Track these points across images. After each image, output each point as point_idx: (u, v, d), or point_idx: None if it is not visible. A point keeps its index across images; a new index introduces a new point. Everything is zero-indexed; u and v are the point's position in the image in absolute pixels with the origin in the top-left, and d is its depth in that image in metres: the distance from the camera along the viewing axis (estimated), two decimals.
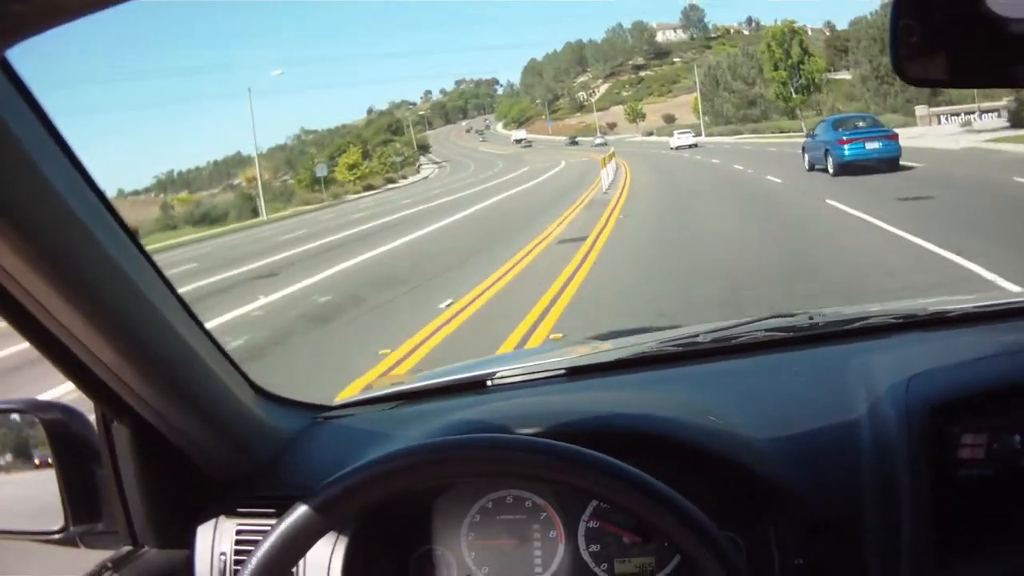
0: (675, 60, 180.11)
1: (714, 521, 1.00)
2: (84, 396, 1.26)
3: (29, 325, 1.07)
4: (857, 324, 1.68)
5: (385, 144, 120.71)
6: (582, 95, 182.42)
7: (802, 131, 43.68)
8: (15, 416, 1.41)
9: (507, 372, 1.74)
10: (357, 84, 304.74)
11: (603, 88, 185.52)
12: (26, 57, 0.89)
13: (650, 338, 1.90)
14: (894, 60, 0.87)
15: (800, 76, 62.01)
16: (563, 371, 1.72)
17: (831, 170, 21.35)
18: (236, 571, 1.34)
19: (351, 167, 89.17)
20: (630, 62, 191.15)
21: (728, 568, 0.97)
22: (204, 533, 1.41)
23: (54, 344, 1.10)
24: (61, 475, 1.34)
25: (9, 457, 1.46)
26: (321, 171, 74.05)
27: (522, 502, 1.40)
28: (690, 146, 60.55)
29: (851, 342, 1.63)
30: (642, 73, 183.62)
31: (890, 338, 1.62)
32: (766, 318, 1.83)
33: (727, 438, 1.32)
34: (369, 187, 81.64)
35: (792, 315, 1.86)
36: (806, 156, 24.39)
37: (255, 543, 1.11)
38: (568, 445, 1.03)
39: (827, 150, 21.87)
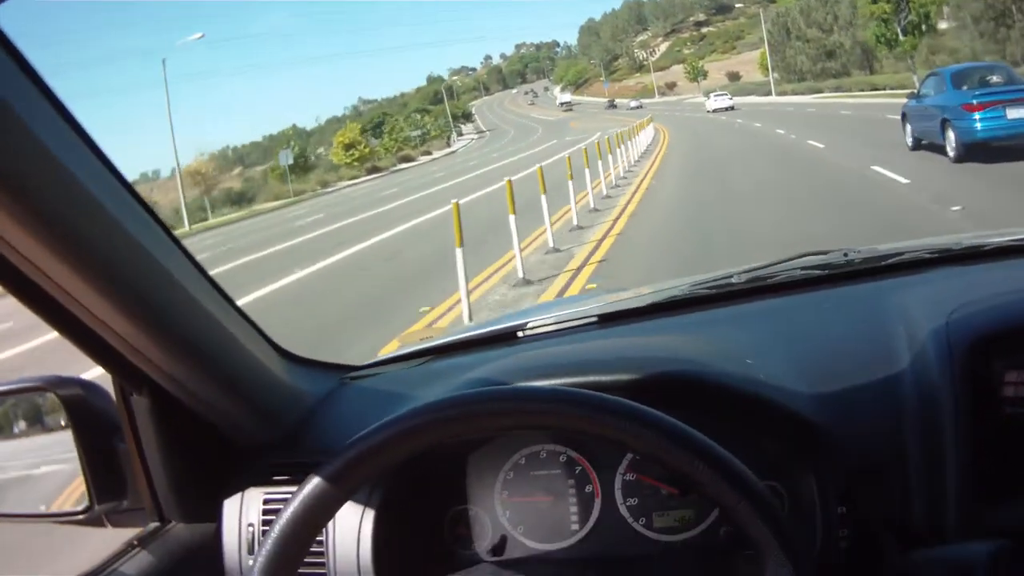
0: (738, 16, 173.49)
1: (754, 470, 0.97)
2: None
3: (39, 297, 1.06)
4: (893, 259, 1.65)
5: (422, 114, 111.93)
6: (641, 54, 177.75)
7: (905, 88, 34.58)
8: (34, 395, 1.40)
9: (538, 322, 1.73)
10: (416, 49, 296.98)
11: (663, 47, 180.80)
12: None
13: (683, 281, 1.84)
14: None
15: (909, 11, 46.74)
16: (595, 318, 1.69)
17: (952, 151, 13.94)
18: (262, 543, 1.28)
19: (347, 147, 76.35)
20: (691, 18, 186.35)
21: (770, 520, 0.94)
22: (231, 504, 1.40)
23: (65, 316, 1.09)
24: (83, 453, 1.33)
25: (31, 438, 1.46)
26: (285, 159, 63.02)
27: (556, 456, 1.38)
28: (727, 108, 61.84)
29: (888, 278, 1.59)
30: (704, 30, 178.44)
31: (927, 273, 1.58)
32: (801, 256, 1.79)
33: (764, 382, 1.28)
34: (375, 169, 72.73)
35: (827, 252, 1.79)
36: (908, 127, 16.67)
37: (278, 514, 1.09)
38: (595, 393, 1.00)
39: (944, 120, 14.24)
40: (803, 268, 1.71)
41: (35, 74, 0.93)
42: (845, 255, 1.74)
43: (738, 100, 68.94)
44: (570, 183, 14.29)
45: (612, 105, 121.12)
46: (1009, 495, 1.13)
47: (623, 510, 1.35)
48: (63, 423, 1.35)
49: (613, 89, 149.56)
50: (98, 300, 1.05)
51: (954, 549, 1.09)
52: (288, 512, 0.98)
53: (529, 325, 1.72)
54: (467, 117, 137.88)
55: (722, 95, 68.99)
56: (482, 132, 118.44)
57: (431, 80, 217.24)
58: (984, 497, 1.12)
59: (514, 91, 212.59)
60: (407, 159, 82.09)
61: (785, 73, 77.79)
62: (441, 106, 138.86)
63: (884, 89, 47.97)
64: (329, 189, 57.13)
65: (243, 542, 1.39)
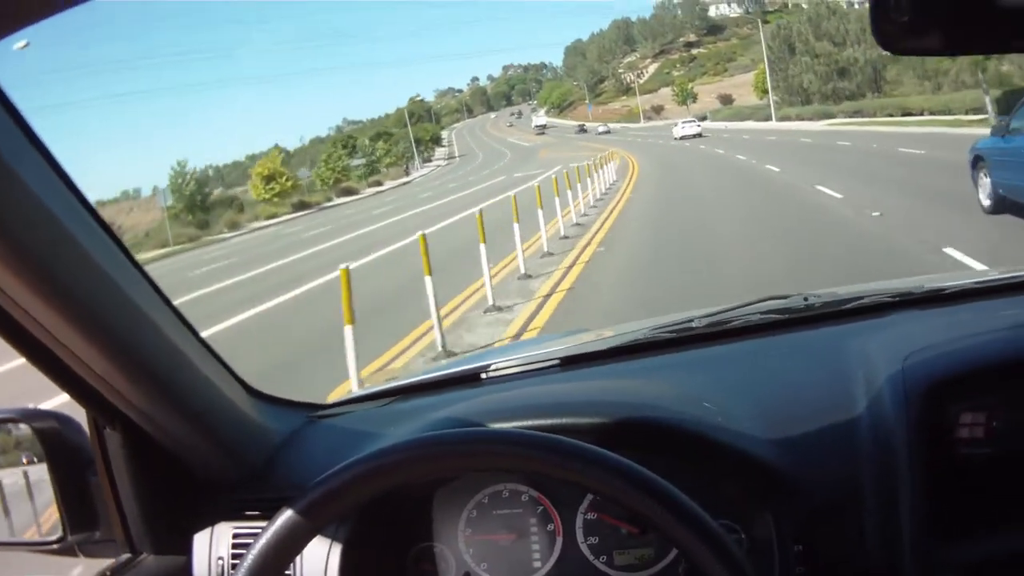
0: (730, 37, 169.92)
1: (711, 510, 1.01)
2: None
3: (14, 331, 1.09)
4: (852, 304, 1.69)
5: (382, 138, 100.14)
6: (629, 76, 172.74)
7: (949, 114, 29.85)
8: (8, 426, 1.44)
9: (501, 364, 1.77)
10: (402, 69, 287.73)
11: (652, 68, 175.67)
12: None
13: (644, 325, 1.89)
14: (876, 32, 0.86)
15: None
16: (557, 361, 1.74)
17: None
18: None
19: (267, 179, 65.04)
20: (681, 39, 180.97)
21: (728, 562, 0.98)
22: (201, 538, 1.43)
23: (40, 350, 1.12)
24: (57, 484, 1.37)
25: (4, 468, 1.49)
26: (162, 200, 50.88)
27: (518, 496, 1.42)
28: (694, 135, 60.91)
29: (847, 322, 1.64)
30: (694, 51, 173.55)
31: (886, 317, 1.63)
32: (760, 300, 1.82)
33: (722, 425, 1.32)
34: (303, 205, 61.47)
35: (786, 297, 1.83)
36: (984, 178, 10.87)
37: (248, 547, 1.14)
38: (558, 437, 1.04)
39: None
40: (763, 312, 1.74)
41: (14, 110, 0.96)
42: (805, 299, 1.78)
43: (733, 126, 61.87)
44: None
45: (583, 129, 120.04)
46: (963, 534, 1.18)
47: (584, 548, 1.38)
48: (29, 457, 1.40)
49: (597, 112, 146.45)
50: (70, 335, 1.08)
51: None
52: (259, 545, 1.02)
53: (492, 367, 1.76)
54: (435, 141, 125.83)
55: (690, 122, 68.24)
56: (452, 158, 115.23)
57: (412, 102, 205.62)
58: (939, 536, 1.17)
59: (493, 115, 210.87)
60: (349, 191, 72.04)
61: (787, 95, 66.88)
62: (419, 126, 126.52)
63: (921, 114, 38.65)
64: (236, 232, 48.25)
65: (213, 574, 1.41)
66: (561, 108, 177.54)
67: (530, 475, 1.37)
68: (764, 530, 1.26)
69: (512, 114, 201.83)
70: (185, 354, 1.25)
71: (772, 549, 1.23)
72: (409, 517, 1.43)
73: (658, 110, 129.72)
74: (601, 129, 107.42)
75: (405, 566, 1.45)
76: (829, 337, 1.61)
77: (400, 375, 2.47)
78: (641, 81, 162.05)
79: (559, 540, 1.40)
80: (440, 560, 1.44)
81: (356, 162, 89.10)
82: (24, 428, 1.40)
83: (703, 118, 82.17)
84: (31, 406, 1.44)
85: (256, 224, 51.51)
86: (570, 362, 1.73)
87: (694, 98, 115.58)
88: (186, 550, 1.43)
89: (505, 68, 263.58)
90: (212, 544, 1.43)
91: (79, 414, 1.36)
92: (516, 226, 12.35)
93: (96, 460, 1.36)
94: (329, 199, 66.46)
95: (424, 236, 8.88)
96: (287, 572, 1.29)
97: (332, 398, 1.89)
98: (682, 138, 60.83)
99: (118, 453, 1.34)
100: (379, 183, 78.26)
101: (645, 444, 1.29)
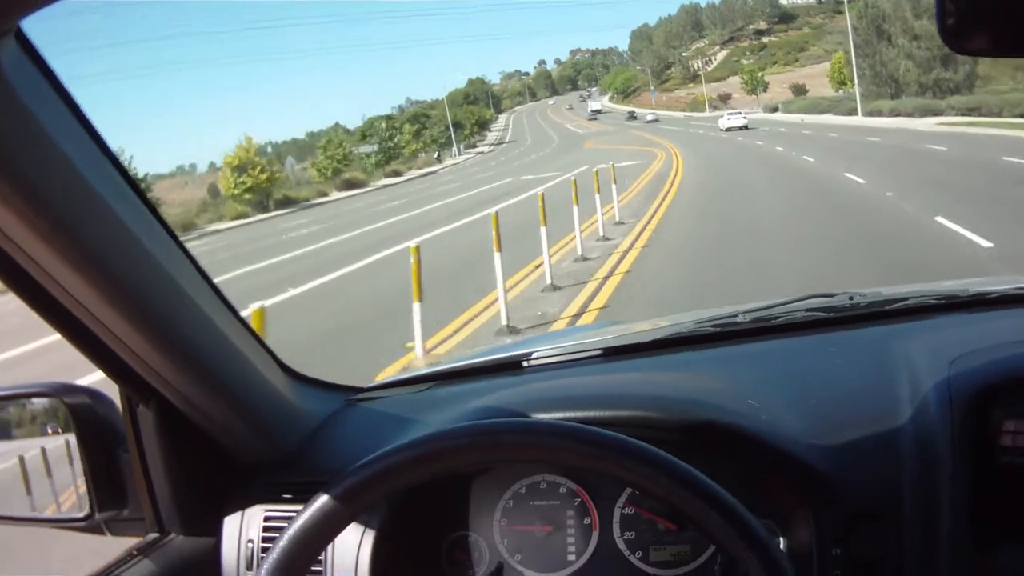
0: (802, 26, 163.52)
1: (751, 509, 0.99)
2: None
3: (51, 307, 1.09)
4: (897, 305, 1.67)
5: (408, 123, 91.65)
6: (696, 63, 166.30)
7: None
8: (41, 400, 1.44)
9: (543, 352, 1.75)
10: (467, 48, 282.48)
11: (720, 56, 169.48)
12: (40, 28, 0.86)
13: (688, 318, 1.87)
14: (941, 30, 0.84)
15: None
16: (599, 352, 1.72)
17: None
18: (264, 558, 1.31)
19: (239, 170, 52.25)
20: (751, 26, 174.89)
21: (767, 560, 0.96)
22: (231, 519, 1.43)
23: (76, 326, 1.12)
24: (86, 461, 1.36)
25: (34, 443, 1.49)
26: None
27: (556, 487, 1.41)
28: (740, 127, 59.13)
29: (892, 323, 1.62)
30: (764, 39, 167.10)
31: (931, 319, 1.61)
32: (805, 298, 1.80)
33: (766, 422, 1.31)
34: (285, 201, 52.41)
35: (831, 295, 1.81)
36: None
37: (282, 530, 1.13)
38: (599, 430, 1.03)
39: None
40: (808, 310, 1.73)
41: (60, 85, 0.96)
42: (850, 298, 1.76)
43: (812, 121, 52.45)
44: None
45: (632, 116, 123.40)
46: (1003, 542, 1.17)
47: (620, 543, 1.37)
48: (55, 428, 1.40)
49: (661, 100, 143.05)
50: (109, 311, 1.08)
51: None
52: (294, 528, 1.01)
53: (534, 355, 1.74)
54: (484, 125, 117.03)
55: (735, 113, 67.63)
56: (499, 143, 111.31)
57: (471, 82, 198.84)
58: (979, 544, 1.15)
59: (551, 101, 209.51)
60: (352, 184, 62.39)
61: (873, 85, 55.04)
62: (465, 108, 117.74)
63: None
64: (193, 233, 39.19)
65: (242, 558, 1.40)
66: (626, 94, 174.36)
67: (570, 467, 1.36)
68: (803, 532, 1.24)
69: (581, 99, 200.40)
70: (224, 333, 1.25)
71: (811, 552, 1.21)
72: (444, 505, 1.43)
73: (725, 99, 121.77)
74: (649, 117, 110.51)
75: (438, 554, 1.44)
76: (874, 338, 1.58)
77: (442, 360, 2.30)
78: (708, 69, 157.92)
79: (595, 534, 1.39)
80: (474, 549, 1.43)
81: (365, 149, 78.40)
82: (55, 403, 1.39)
83: (774, 109, 75.24)
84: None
85: (212, 227, 43.21)
86: (612, 353, 1.71)
87: (765, 87, 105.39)
88: (216, 531, 1.42)
89: (573, 52, 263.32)
90: (243, 526, 1.41)
91: (111, 390, 1.35)
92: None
93: (128, 437, 1.35)
94: (325, 194, 58.03)
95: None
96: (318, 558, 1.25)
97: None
98: (728, 129, 60.03)
99: (151, 431, 1.32)
100: (398, 173, 69.86)
101: (688, 439, 1.28)
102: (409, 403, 1.64)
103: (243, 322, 1.32)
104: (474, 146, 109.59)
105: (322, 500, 1.01)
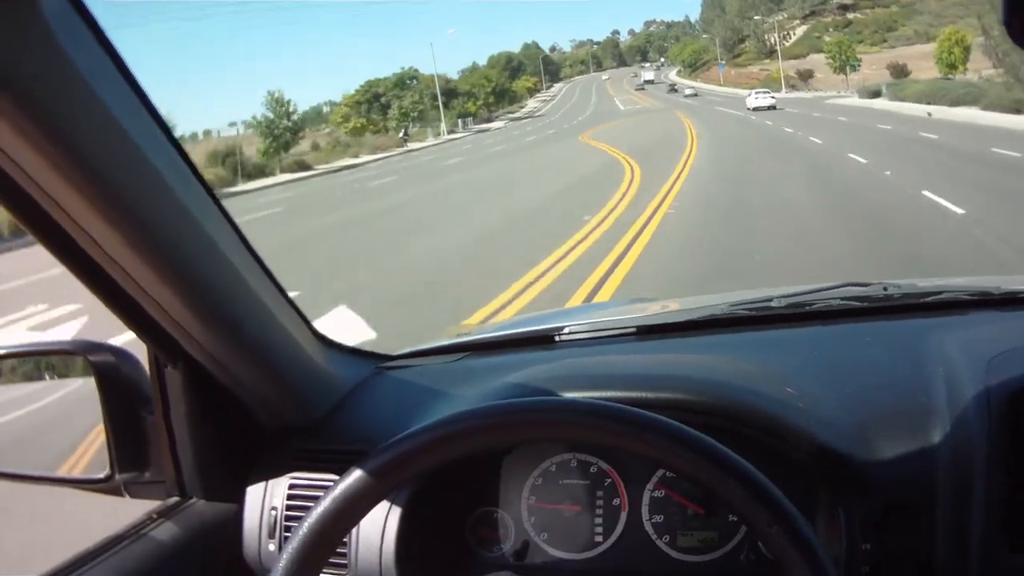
0: (890, 4, 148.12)
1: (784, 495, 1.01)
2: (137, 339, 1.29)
3: (83, 262, 1.10)
4: (932, 298, 1.66)
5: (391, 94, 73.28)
6: (772, 37, 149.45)
7: None
8: (64, 357, 1.47)
9: (576, 327, 1.75)
10: (538, 15, 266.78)
11: (800, 31, 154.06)
12: None
13: (721, 300, 1.87)
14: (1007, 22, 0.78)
15: None
16: (633, 329, 1.72)
17: None
18: (287, 527, 1.38)
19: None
20: (835, 1, 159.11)
21: (804, 547, 0.94)
22: (255, 486, 1.44)
23: (108, 283, 1.14)
24: (109, 420, 1.37)
25: (56, 400, 1.51)
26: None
27: (586, 467, 1.42)
28: (768, 107, 58.21)
29: (927, 316, 1.62)
30: (850, 15, 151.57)
31: (966, 315, 1.60)
32: (840, 286, 1.81)
33: (802, 410, 1.31)
34: None
35: (866, 284, 1.82)
36: None
37: (308, 498, 1.17)
38: (636, 410, 1.03)
39: None
40: (843, 298, 1.73)
41: (101, 33, 0.96)
42: (885, 289, 1.76)
43: (943, 114, 35.07)
44: None
45: (673, 89, 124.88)
46: None
47: (648, 526, 1.37)
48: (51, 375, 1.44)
49: (730, 75, 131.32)
50: (143, 269, 1.10)
51: None
52: (325, 502, 1.01)
53: (566, 329, 1.74)
54: (509, 98, 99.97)
55: (763, 92, 66.55)
56: (524, 118, 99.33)
57: (525, 48, 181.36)
58: (1012, 544, 1.15)
59: (604, 76, 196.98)
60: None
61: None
62: (479, 73, 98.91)
63: None
64: None
65: (264, 525, 1.41)
66: (694, 67, 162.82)
67: (603, 447, 1.36)
68: (834, 525, 1.23)
69: (640, 69, 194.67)
70: (257, 295, 1.25)
71: (840, 543, 1.21)
72: (472, 481, 1.43)
73: (806, 76, 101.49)
74: (688, 91, 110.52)
75: (463, 530, 1.44)
76: (910, 330, 1.57)
77: (472, 330, 2.26)
78: (787, 44, 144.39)
79: (623, 516, 1.38)
80: (500, 526, 1.43)
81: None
82: (79, 359, 1.39)
83: (875, 93, 57.12)
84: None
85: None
86: (647, 331, 1.71)
87: (856, 65, 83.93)
88: (238, 497, 1.43)
89: (647, 23, 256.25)
90: (267, 493, 1.41)
91: (139, 350, 1.37)
92: None
93: (154, 399, 1.36)
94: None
95: None
96: None
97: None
98: (755, 109, 58.78)
99: (178, 393, 1.33)
100: (303, 166, 52.36)
101: (722, 423, 1.27)
102: (439, 373, 1.64)
103: (277, 284, 1.32)
104: (490, 120, 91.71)
105: (355, 476, 1.00)
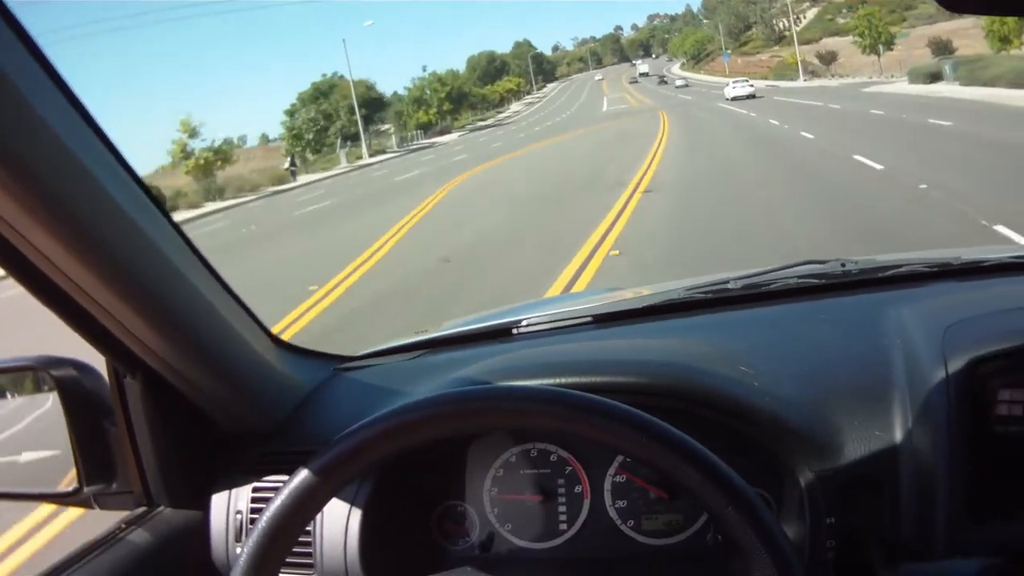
0: None
1: (743, 476, 1.00)
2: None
3: (36, 278, 1.12)
4: (890, 272, 1.67)
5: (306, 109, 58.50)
6: (782, 22, 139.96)
7: None
8: (27, 374, 1.47)
9: (533, 319, 1.76)
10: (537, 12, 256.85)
11: (810, 14, 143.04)
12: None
13: (679, 284, 1.89)
14: None
15: None
16: (590, 318, 1.72)
17: None
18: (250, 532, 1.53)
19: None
20: None
21: (760, 527, 0.95)
22: (220, 491, 1.46)
23: (61, 297, 1.16)
24: (74, 434, 1.38)
25: (21, 417, 1.51)
26: None
27: (547, 456, 1.43)
28: (747, 96, 56.61)
29: (884, 290, 1.62)
30: None
31: (924, 287, 1.60)
32: (797, 264, 1.79)
33: (758, 389, 1.33)
34: None
35: (823, 262, 1.81)
36: None
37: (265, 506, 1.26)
38: (587, 395, 1.04)
39: None
40: (800, 277, 1.73)
41: (45, 60, 0.98)
42: (843, 265, 1.76)
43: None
44: None
45: (663, 81, 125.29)
46: (999, 514, 1.19)
47: (612, 512, 1.39)
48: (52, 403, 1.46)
49: (736, 65, 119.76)
50: (95, 282, 1.12)
51: (943, 565, 1.14)
52: (276, 503, 1.02)
53: (524, 322, 1.75)
54: (467, 104, 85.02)
55: (740, 81, 62.94)
56: (498, 125, 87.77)
57: (516, 46, 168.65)
58: (974, 515, 1.17)
59: (597, 75, 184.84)
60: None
61: None
62: (427, 80, 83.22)
63: None
64: None
65: (231, 529, 1.43)
66: (698, 59, 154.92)
67: (560, 434, 1.38)
68: (796, 500, 1.25)
69: (633, 64, 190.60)
70: (210, 302, 1.28)
71: (804, 520, 1.22)
72: (433, 475, 1.45)
73: (828, 60, 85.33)
74: (679, 83, 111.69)
75: (428, 524, 1.46)
76: (866, 304, 1.57)
77: (430, 329, 1.93)
78: (798, 28, 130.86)
79: (586, 502, 1.39)
80: (465, 519, 1.44)
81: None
82: (41, 376, 1.40)
83: (935, 76, 40.28)
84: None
85: None
86: (603, 320, 1.71)
87: (888, 43, 67.22)
88: (204, 504, 1.45)
89: (651, 17, 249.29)
90: (231, 498, 1.43)
91: (98, 362, 1.39)
92: None
93: (115, 410, 1.37)
94: None
95: None
96: (307, 528, 1.26)
97: None
98: (734, 99, 56.54)
99: (138, 403, 1.34)
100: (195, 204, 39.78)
101: (679, 406, 1.28)
102: (397, 372, 1.65)
103: (230, 291, 1.34)
104: (445, 131, 76.02)
105: (301, 476, 1.01)
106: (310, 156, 60.49)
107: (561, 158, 29.90)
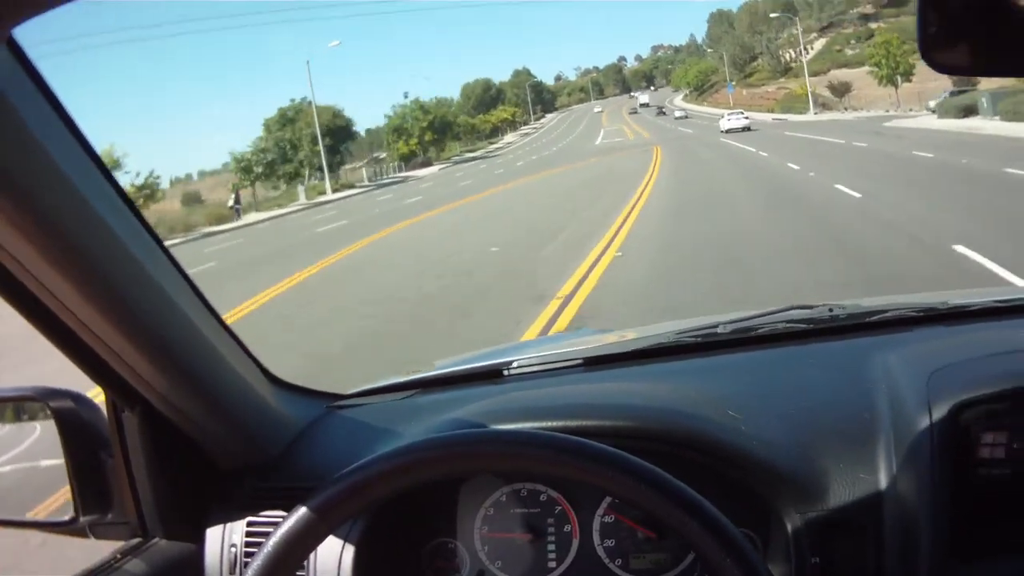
0: (915, 11, 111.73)
1: (730, 518, 1.04)
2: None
3: (38, 312, 1.16)
4: (877, 317, 1.70)
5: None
6: (788, 53, 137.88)
7: None
8: (25, 404, 1.51)
9: (524, 361, 1.79)
10: (545, 44, 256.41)
11: (818, 44, 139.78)
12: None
13: (669, 328, 1.92)
14: (921, 44, 0.85)
15: None
16: (580, 361, 1.76)
17: None
18: (247, 563, 1.43)
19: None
20: (855, 10, 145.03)
21: (748, 570, 0.99)
22: (215, 525, 1.49)
23: (63, 331, 1.20)
24: (71, 464, 1.41)
25: (19, 446, 1.55)
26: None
27: (536, 495, 1.47)
28: (741, 129, 55.74)
29: (871, 335, 1.65)
30: (872, 25, 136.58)
31: (911, 332, 1.63)
32: (785, 309, 1.83)
33: (745, 433, 1.36)
34: None
35: (811, 307, 1.84)
36: None
37: (264, 535, 1.19)
38: (579, 439, 1.08)
39: None
40: (788, 321, 1.75)
41: (47, 88, 1.01)
42: (830, 310, 1.78)
43: None
44: None
45: (661, 112, 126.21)
46: (982, 555, 1.22)
47: (600, 551, 1.42)
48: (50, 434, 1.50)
49: (741, 97, 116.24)
50: (95, 316, 1.15)
51: None
52: (273, 540, 1.05)
53: (514, 364, 1.78)
54: (450, 134, 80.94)
55: (735, 114, 62.40)
56: (475, 158, 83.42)
57: (516, 75, 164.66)
58: (957, 556, 1.21)
59: (597, 108, 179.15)
60: None
61: None
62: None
63: None
64: None
65: (225, 562, 1.45)
66: (702, 90, 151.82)
67: (549, 477, 1.42)
68: (782, 541, 1.29)
69: (632, 96, 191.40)
70: (208, 339, 1.31)
71: (789, 560, 1.26)
72: (425, 513, 1.48)
73: (841, 91, 78.78)
74: (678, 114, 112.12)
75: (419, 561, 1.49)
76: (853, 349, 1.60)
77: (422, 369, 1.89)
78: (806, 59, 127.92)
79: (575, 541, 1.42)
80: (454, 557, 1.48)
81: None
82: (40, 406, 1.42)
83: (967, 111, 38.14)
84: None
85: None
86: (593, 363, 1.74)
87: (906, 73, 61.96)
88: (198, 537, 1.47)
89: (655, 48, 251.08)
90: (225, 532, 1.45)
91: (97, 394, 1.44)
92: None
93: (112, 442, 1.40)
94: None
95: None
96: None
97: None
98: (728, 131, 55.89)
99: (135, 436, 1.37)
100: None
101: (667, 449, 1.31)
102: (389, 411, 1.68)
103: (227, 328, 1.38)
104: (427, 164, 70.08)
105: (299, 513, 1.04)
106: (272, 190, 56.34)
107: (524, 206, 24.69)
